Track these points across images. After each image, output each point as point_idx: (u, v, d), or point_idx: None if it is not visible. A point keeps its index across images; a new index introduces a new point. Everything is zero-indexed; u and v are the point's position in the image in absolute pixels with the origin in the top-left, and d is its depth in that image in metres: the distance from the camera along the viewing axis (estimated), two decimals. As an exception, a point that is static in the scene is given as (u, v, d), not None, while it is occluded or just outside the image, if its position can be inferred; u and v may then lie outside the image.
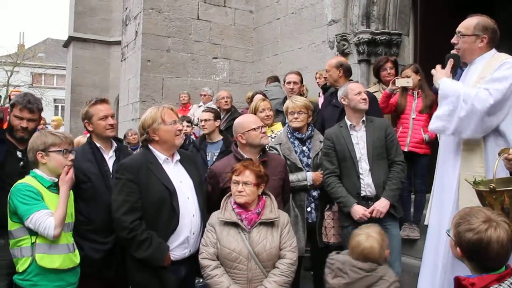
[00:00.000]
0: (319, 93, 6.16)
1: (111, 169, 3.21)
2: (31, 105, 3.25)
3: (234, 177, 2.90)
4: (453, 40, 3.07)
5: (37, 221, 2.62)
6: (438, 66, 3.10)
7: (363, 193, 3.60)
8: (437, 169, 3.19)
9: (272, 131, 4.61)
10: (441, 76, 3.02)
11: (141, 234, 2.78)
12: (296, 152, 3.90)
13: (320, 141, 3.96)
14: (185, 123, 5.99)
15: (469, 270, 1.98)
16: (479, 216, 1.93)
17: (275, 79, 7.28)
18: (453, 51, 3.20)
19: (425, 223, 3.28)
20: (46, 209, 2.67)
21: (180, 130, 3.00)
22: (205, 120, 4.92)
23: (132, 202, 2.81)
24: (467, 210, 2.03)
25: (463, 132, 2.84)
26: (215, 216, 2.94)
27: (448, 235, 2.05)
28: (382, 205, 3.50)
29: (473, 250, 1.90)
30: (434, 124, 3.00)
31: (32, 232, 2.66)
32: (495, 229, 1.87)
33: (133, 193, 2.83)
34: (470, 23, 2.98)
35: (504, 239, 1.87)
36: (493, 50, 3.01)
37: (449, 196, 2.94)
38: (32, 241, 2.67)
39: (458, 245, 1.95)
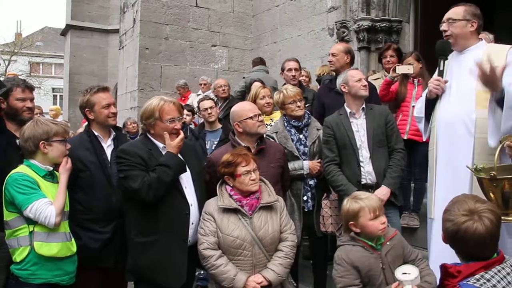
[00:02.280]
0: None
1: (109, 158, 3.18)
2: (28, 84, 3.28)
3: (243, 168, 2.85)
4: (443, 27, 3.09)
5: (37, 210, 2.61)
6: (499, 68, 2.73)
7: (363, 181, 3.57)
8: (440, 161, 3.12)
9: (271, 119, 4.57)
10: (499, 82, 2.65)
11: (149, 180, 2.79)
12: (292, 140, 3.87)
13: (317, 129, 3.93)
14: (185, 112, 5.98)
15: (458, 257, 1.97)
16: (461, 208, 1.89)
17: (261, 61, 7.23)
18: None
19: (431, 216, 3.17)
20: (45, 198, 2.66)
21: (177, 129, 2.95)
22: (210, 107, 4.91)
23: (142, 176, 2.81)
24: (457, 198, 2.00)
25: None
26: (212, 205, 2.91)
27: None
28: (383, 193, 3.48)
29: (452, 239, 1.90)
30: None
31: (30, 221, 2.64)
32: (473, 223, 1.82)
33: (138, 166, 2.85)
34: (458, 9, 3.07)
35: (481, 233, 1.81)
36: (483, 41, 3.11)
37: (465, 186, 2.88)
38: (30, 230, 2.66)
39: (442, 231, 1.95)
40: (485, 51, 2.95)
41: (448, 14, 3.09)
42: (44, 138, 2.75)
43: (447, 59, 3.13)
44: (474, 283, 1.77)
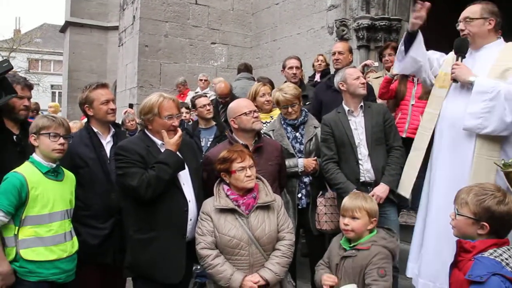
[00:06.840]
0: (310, 77, 6.14)
1: (108, 154, 3.19)
2: (28, 82, 3.27)
3: (239, 164, 2.85)
4: (460, 27, 3.08)
5: None
6: (461, 64, 3.04)
7: (362, 179, 3.58)
8: (441, 157, 3.16)
9: (271, 117, 4.57)
10: (468, 74, 2.96)
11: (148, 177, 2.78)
12: (288, 138, 3.86)
13: (315, 127, 3.92)
14: (184, 110, 6.01)
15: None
16: (494, 189, 2.09)
17: (245, 67, 7.11)
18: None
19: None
20: (3, 211, 2.56)
21: (175, 126, 2.95)
22: (208, 104, 5.07)
23: (140, 173, 2.80)
24: (477, 188, 2.14)
25: (504, 131, 2.83)
26: (209, 204, 2.91)
27: (461, 215, 2.11)
28: (381, 190, 3.49)
29: (503, 221, 2.04)
30: (469, 121, 2.90)
31: (17, 222, 2.62)
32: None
33: (137, 164, 2.84)
34: (475, 8, 3.05)
35: None
36: (501, 39, 3.06)
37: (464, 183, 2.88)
38: (15, 232, 2.62)
39: (486, 221, 2.04)
40: (502, 48, 2.98)
41: (465, 13, 3.07)
42: (34, 132, 2.77)
43: (464, 57, 3.08)
44: (489, 256, 1.97)
